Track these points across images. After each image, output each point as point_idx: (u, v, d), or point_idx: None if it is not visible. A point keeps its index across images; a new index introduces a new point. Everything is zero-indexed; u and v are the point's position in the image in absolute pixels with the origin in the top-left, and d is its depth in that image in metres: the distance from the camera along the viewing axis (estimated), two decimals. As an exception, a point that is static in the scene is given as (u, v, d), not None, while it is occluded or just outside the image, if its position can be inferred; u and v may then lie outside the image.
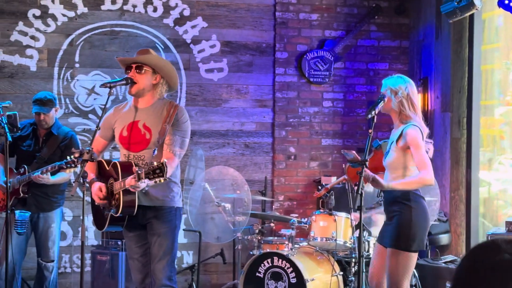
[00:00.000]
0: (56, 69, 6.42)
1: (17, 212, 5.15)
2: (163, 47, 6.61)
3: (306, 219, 5.55)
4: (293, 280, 5.19)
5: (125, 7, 6.56)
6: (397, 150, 4.09)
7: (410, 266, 4.09)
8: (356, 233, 5.00)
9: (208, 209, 6.31)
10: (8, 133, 4.75)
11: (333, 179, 5.93)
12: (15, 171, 5.27)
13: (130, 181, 3.80)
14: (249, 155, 6.87)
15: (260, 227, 5.64)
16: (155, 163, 3.64)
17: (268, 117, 6.91)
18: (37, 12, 6.38)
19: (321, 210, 5.45)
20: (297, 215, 6.00)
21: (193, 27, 6.71)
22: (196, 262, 6.15)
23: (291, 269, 5.20)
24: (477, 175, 5.95)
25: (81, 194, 4.54)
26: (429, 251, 5.92)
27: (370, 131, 4.04)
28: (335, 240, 5.25)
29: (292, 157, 6.96)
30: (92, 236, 6.40)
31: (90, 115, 6.49)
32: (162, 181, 3.65)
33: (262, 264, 5.29)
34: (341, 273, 5.43)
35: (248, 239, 5.63)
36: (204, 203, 6.16)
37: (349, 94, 7.07)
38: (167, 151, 4.06)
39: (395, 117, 4.19)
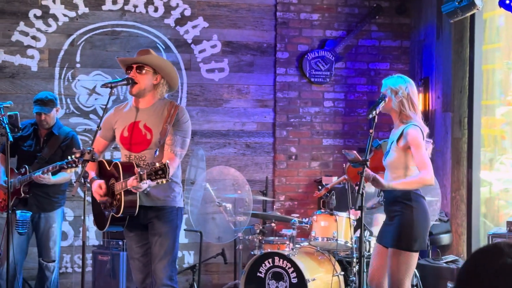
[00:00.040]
0: (57, 69, 6.42)
1: (18, 212, 5.16)
2: (164, 47, 6.60)
3: (307, 219, 5.54)
4: (294, 280, 5.18)
5: (126, 7, 6.56)
6: (397, 150, 4.09)
7: (411, 266, 4.08)
8: (357, 233, 4.99)
9: (209, 209, 6.31)
10: (9, 133, 4.75)
11: (334, 179, 5.92)
12: (16, 171, 5.28)
13: (132, 182, 3.79)
14: (250, 155, 6.86)
15: (261, 227, 5.63)
16: (157, 164, 3.64)
17: (269, 117, 6.90)
18: (38, 12, 6.38)
19: (322, 210, 5.44)
20: (298, 215, 6.00)
21: (194, 27, 6.71)
22: (197, 262, 6.15)
23: (292, 269, 5.19)
24: (478, 175, 5.94)
25: (82, 194, 4.53)
26: (430, 251, 5.92)
27: (371, 131, 4.04)
28: (336, 240, 5.25)
29: (293, 157, 6.95)
30: (93, 236, 6.40)
31: (91, 115, 6.49)
32: (164, 182, 3.65)
33: (263, 264, 5.29)
34: (342, 273, 5.43)
35: (249, 239, 5.63)
36: (205, 203, 6.16)
37: (350, 94, 7.06)
38: (168, 151, 4.05)
39: (395, 117, 4.19)
